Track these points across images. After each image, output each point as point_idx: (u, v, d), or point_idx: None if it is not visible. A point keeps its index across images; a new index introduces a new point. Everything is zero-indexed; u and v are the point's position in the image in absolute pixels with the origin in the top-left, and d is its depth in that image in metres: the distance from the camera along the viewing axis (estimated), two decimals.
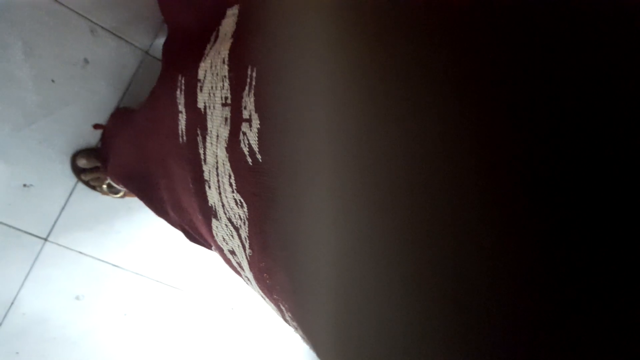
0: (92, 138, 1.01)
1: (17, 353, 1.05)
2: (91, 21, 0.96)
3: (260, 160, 0.34)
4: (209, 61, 0.43)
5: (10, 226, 0.99)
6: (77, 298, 1.09)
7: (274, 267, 0.36)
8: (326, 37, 0.26)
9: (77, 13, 0.94)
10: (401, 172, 0.19)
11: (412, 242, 0.18)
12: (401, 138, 0.19)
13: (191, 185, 0.49)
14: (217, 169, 0.43)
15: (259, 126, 0.34)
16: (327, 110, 0.25)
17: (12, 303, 1.02)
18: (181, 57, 0.53)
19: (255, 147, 0.35)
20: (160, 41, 1.01)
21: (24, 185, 0.99)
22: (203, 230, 0.53)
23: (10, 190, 0.98)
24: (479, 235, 0.15)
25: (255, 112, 0.34)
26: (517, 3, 0.15)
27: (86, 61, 0.97)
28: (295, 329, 0.38)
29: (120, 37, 0.99)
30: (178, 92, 0.50)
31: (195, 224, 0.55)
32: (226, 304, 1.25)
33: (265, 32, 0.34)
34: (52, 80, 0.96)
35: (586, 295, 0.14)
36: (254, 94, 0.35)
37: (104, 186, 1.01)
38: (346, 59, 0.24)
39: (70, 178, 1.02)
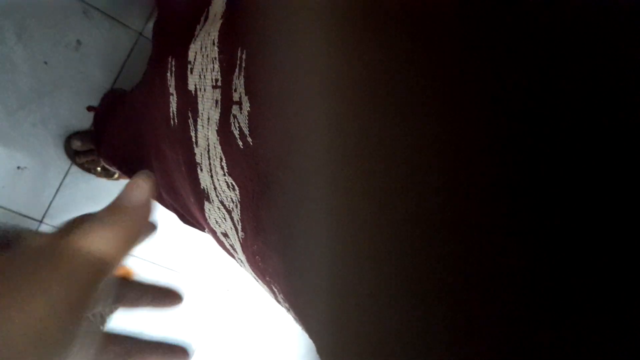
0: (86, 120, 1.01)
1: None
2: (84, 2, 0.94)
3: (251, 144, 0.34)
4: (199, 43, 0.43)
5: (4, 208, 0.99)
6: None
7: (266, 250, 0.36)
8: (318, 18, 0.25)
9: None
10: (398, 160, 0.18)
11: (411, 234, 0.18)
12: (398, 128, 0.19)
13: (183, 168, 0.49)
14: (208, 152, 0.43)
15: (249, 109, 0.34)
16: (319, 94, 0.25)
17: None
18: (171, 38, 0.52)
19: (246, 130, 0.34)
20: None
21: (18, 168, 0.98)
22: (196, 212, 0.53)
23: (4, 172, 0.97)
24: (480, 236, 0.15)
25: (246, 94, 0.34)
26: (514, 3, 0.15)
27: (79, 43, 0.96)
28: (288, 310, 0.39)
29: (113, 19, 0.98)
30: (168, 74, 0.49)
31: (188, 207, 0.55)
32: (222, 285, 1.26)
33: (255, 13, 0.34)
34: (45, 63, 0.95)
35: (585, 295, 0.14)
36: (244, 77, 0.34)
37: (99, 168, 1.01)
38: (338, 40, 0.23)
39: (65, 160, 1.02)
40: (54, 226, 1.04)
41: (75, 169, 1.03)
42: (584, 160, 0.14)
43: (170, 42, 0.52)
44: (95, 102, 1.00)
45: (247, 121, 0.34)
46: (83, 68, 0.98)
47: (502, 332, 0.15)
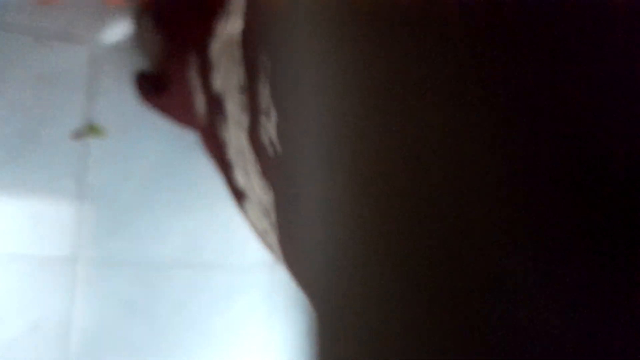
0: (78, 145, 0.97)
1: None
2: (33, 30, 0.91)
3: (280, 153, 0.33)
4: (223, 41, 0.41)
5: (36, 256, 0.98)
6: (130, 304, 1.09)
7: (298, 255, 0.37)
8: (340, 19, 0.24)
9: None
10: (427, 177, 0.18)
11: (409, 233, 0.18)
12: (417, 134, 0.18)
13: (218, 167, 0.48)
14: (241, 153, 0.42)
15: (276, 118, 0.33)
16: (346, 105, 0.25)
17: (68, 326, 1.03)
18: (186, 31, 0.50)
19: (275, 139, 0.34)
20: (111, 29, 0.95)
21: (33, 214, 0.96)
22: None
23: (23, 218, 0.96)
24: (487, 237, 0.15)
25: (272, 103, 0.33)
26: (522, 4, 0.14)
27: (41, 74, 0.93)
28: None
29: (64, 38, 0.95)
30: (191, 71, 0.48)
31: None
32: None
33: (274, 15, 0.32)
34: (18, 105, 0.92)
35: (594, 307, 0.13)
36: (270, 85, 0.33)
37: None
38: (360, 51, 0.23)
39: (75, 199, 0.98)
40: (90, 257, 1.02)
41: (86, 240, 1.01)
42: (594, 164, 0.13)
43: (186, 36, 0.50)
44: (78, 126, 0.97)
45: (274, 131, 0.33)
46: (55, 97, 0.94)
47: (503, 333, 0.15)
